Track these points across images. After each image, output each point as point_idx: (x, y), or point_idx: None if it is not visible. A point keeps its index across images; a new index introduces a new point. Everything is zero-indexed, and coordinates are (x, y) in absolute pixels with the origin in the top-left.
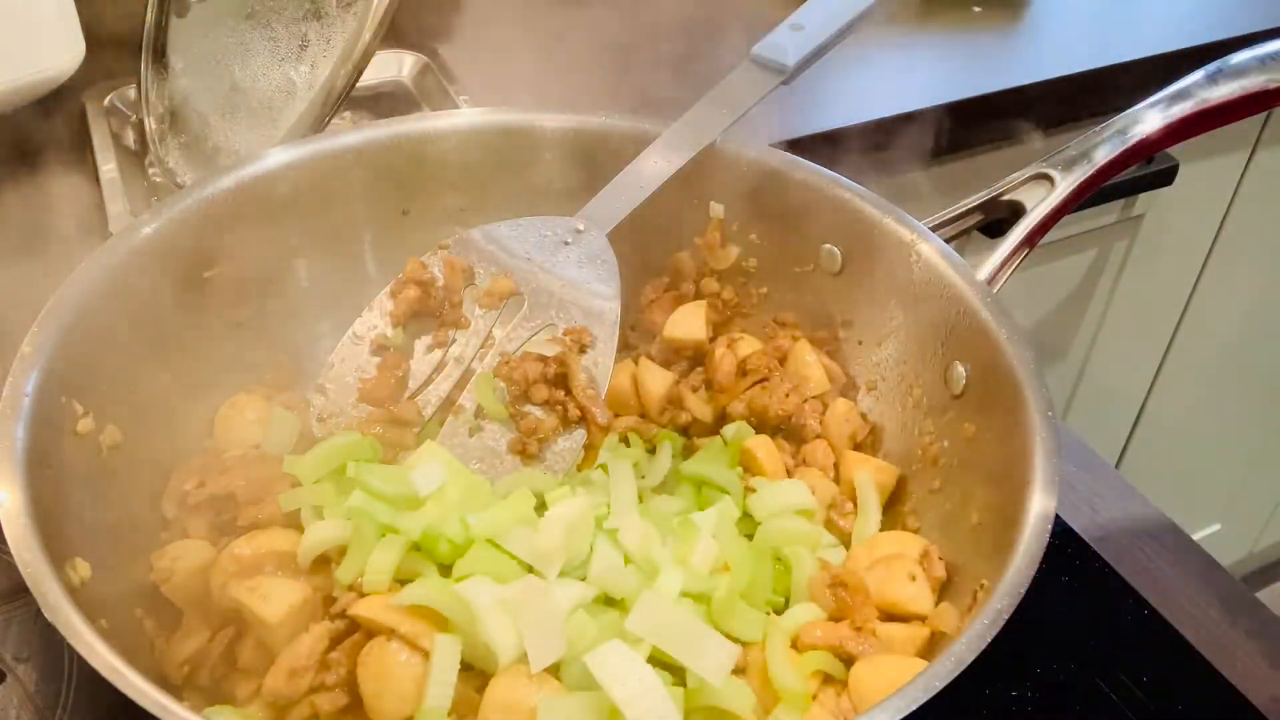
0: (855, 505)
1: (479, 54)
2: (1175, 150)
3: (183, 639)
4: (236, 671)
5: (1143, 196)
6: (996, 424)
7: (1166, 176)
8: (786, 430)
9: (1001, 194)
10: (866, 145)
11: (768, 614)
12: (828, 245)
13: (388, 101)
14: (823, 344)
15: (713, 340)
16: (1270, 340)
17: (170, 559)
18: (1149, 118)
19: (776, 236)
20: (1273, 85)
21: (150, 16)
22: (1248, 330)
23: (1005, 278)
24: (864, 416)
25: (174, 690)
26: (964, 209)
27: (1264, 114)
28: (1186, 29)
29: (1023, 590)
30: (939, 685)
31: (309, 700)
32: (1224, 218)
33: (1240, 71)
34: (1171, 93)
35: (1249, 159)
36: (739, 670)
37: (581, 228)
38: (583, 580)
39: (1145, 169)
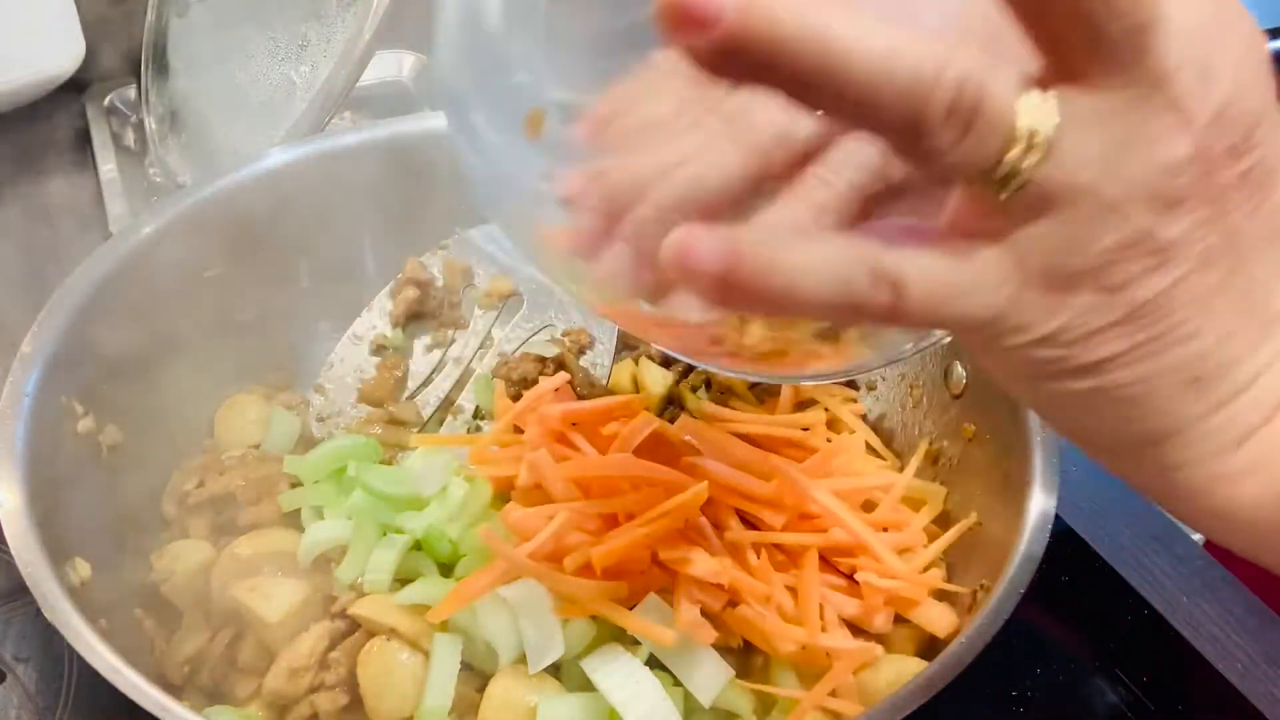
0: None
1: None
2: None
3: (183, 639)
4: (236, 671)
5: None
6: (996, 424)
7: None
8: None
9: None
10: None
11: None
12: None
13: (388, 101)
14: None
15: None
16: None
17: (170, 559)
18: None
19: None
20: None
21: (150, 16)
22: None
23: None
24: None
25: (174, 690)
26: None
27: None
28: None
29: (1022, 590)
30: (939, 685)
31: (309, 700)
32: None
33: None
34: None
35: None
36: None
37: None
38: None
39: None
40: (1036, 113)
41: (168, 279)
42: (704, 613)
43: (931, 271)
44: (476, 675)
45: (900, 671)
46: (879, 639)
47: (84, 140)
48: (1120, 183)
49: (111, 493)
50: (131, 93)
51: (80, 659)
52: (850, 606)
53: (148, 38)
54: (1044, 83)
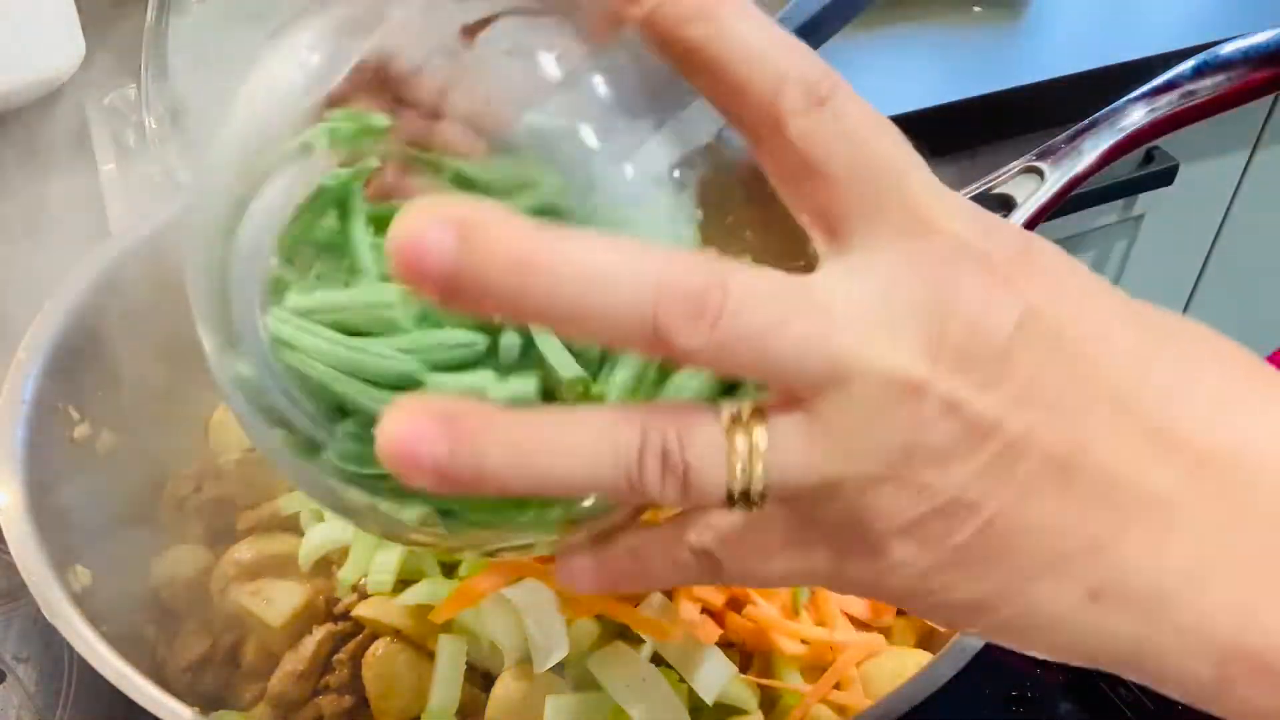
0: None
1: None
2: (1175, 150)
3: (184, 644)
4: (240, 675)
5: (1143, 196)
6: None
7: (1166, 176)
8: None
9: (992, 187)
10: None
11: None
12: None
13: None
14: None
15: None
16: (1271, 340)
17: (170, 565)
18: (1136, 110)
19: (771, 233)
20: (1259, 77)
21: (150, 16)
22: (1248, 330)
23: None
24: None
25: (177, 696)
26: None
27: (1264, 114)
28: (1186, 29)
29: None
30: (941, 680)
31: (314, 702)
32: (1224, 218)
33: (1227, 64)
34: (1159, 85)
35: (1249, 159)
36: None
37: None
38: None
39: (1145, 169)
40: (747, 440)
41: (166, 280)
42: (707, 610)
43: (741, 549)
44: (482, 675)
45: (902, 663)
46: (881, 630)
47: (84, 140)
48: (868, 462)
49: (109, 499)
50: (131, 93)
51: (80, 659)
52: (857, 603)
53: (148, 38)
54: (765, 407)
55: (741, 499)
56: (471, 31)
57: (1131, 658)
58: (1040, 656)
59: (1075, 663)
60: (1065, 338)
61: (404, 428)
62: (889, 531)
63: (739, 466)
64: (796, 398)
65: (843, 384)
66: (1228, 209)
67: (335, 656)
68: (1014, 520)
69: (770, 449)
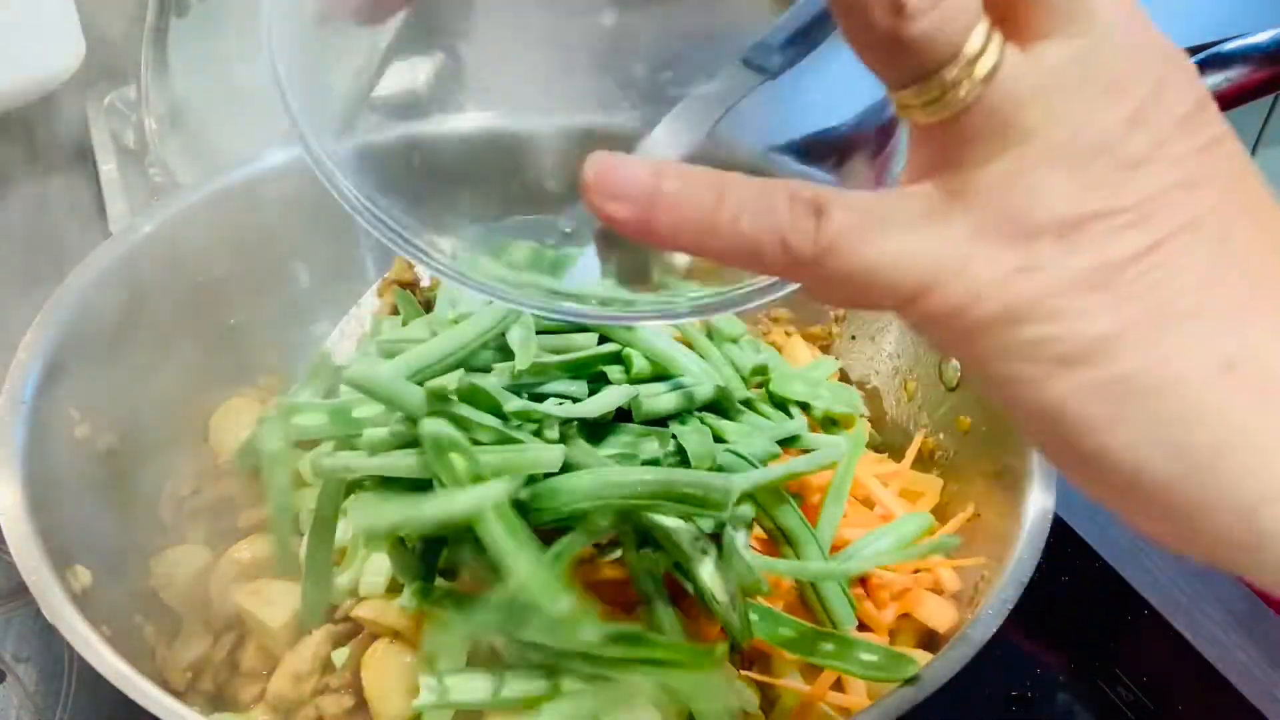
0: None
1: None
2: None
3: (184, 645)
4: (240, 676)
5: None
6: (993, 417)
7: None
8: None
9: None
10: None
11: None
12: None
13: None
14: (816, 339)
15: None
16: None
17: (169, 565)
18: None
19: None
20: (1259, 77)
21: (150, 16)
22: None
23: None
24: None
25: (177, 696)
26: None
27: (1264, 114)
28: (1186, 29)
29: (1025, 580)
30: (941, 680)
31: (314, 703)
32: None
33: (1227, 63)
34: None
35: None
36: None
37: (569, 230)
38: None
39: None
40: (983, 41)
41: (166, 280)
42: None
43: (858, 200)
44: None
45: None
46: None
47: (84, 140)
48: (1068, 130)
49: (109, 499)
50: (131, 93)
51: (80, 659)
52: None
53: (148, 38)
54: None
55: (951, 87)
56: None
57: (1229, 454)
58: (1119, 457)
59: (1142, 501)
60: (1229, 146)
61: None
62: (1049, 220)
63: (975, 41)
64: (1031, 34)
65: (1079, 36)
66: None
67: (335, 656)
68: (1175, 254)
69: (1000, 60)
